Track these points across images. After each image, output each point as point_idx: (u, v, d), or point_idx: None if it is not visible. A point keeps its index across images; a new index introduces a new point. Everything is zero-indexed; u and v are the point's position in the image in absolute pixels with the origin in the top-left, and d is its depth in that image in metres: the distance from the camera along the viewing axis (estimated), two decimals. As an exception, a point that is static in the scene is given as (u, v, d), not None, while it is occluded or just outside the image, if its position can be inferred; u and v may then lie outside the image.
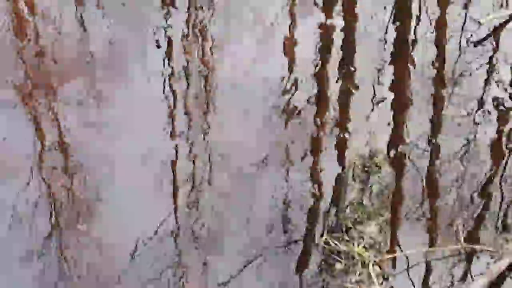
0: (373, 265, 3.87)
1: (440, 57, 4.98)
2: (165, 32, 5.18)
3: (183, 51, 5.07)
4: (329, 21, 5.22)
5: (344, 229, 4.02)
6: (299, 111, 4.63)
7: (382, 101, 4.67)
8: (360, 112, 4.66)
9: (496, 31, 5.10)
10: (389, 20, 5.23)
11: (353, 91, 4.79)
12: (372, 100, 4.73)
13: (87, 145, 4.48)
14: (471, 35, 5.09)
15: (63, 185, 4.30)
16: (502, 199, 4.21)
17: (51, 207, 4.20)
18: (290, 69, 4.95)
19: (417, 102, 4.73)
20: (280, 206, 4.20)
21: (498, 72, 4.87)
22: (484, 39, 5.05)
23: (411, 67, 4.93)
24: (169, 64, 4.99)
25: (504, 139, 4.52)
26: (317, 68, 4.94)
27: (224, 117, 4.67)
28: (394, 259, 3.95)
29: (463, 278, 3.90)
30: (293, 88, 4.82)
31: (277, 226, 4.12)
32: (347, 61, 4.97)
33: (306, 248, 4.01)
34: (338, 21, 5.23)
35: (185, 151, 4.48)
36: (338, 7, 5.35)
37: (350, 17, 5.26)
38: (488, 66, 4.93)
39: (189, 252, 4.04)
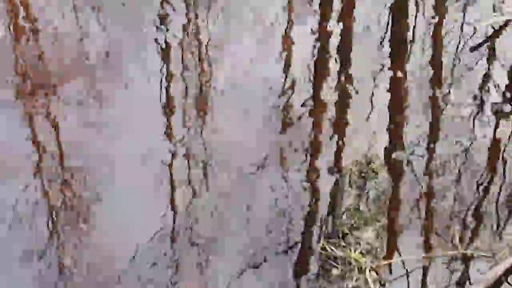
0: (369, 270, 3.87)
1: (438, 60, 4.99)
2: (165, 32, 5.18)
3: (183, 51, 5.07)
4: (328, 23, 5.23)
5: (340, 235, 4.02)
6: (299, 117, 4.63)
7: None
8: (359, 114, 4.67)
9: (492, 37, 5.09)
10: (387, 24, 5.24)
11: (351, 94, 4.79)
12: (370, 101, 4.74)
13: (87, 145, 4.49)
14: (467, 39, 5.09)
15: (63, 185, 4.30)
16: (497, 205, 4.22)
17: (51, 207, 4.20)
18: (289, 70, 4.95)
19: (415, 105, 4.73)
20: (280, 206, 4.20)
21: (495, 77, 4.87)
22: (480, 45, 5.05)
23: (408, 69, 4.93)
24: (169, 64, 4.99)
25: (502, 143, 4.52)
26: (316, 69, 4.94)
27: (224, 117, 4.67)
28: (390, 265, 3.95)
29: (460, 284, 3.90)
30: (293, 88, 4.82)
31: (277, 226, 4.12)
32: (345, 63, 4.97)
33: (303, 254, 4.01)
34: (336, 23, 5.23)
35: (185, 151, 4.48)
36: (337, 8, 5.35)
37: (349, 18, 5.26)
38: (485, 70, 4.93)
39: (189, 252, 4.04)
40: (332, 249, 3.94)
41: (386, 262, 3.93)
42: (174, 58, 5.03)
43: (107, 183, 4.30)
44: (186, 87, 4.85)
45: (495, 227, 4.12)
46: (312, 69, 4.94)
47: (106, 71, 4.95)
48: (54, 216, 4.16)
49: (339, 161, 4.40)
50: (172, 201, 4.25)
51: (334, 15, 5.29)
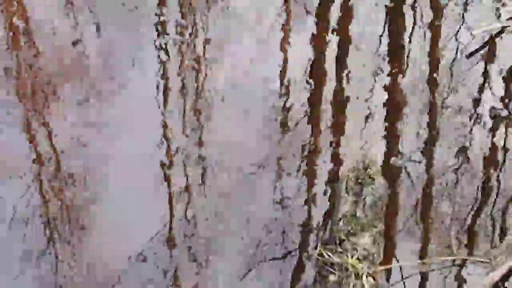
0: (366, 276, 3.87)
1: (435, 66, 4.98)
2: (165, 32, 5.17)
3: (182, 51, 5.07)
4: (325, 26, 5.23)
5: (337, 241, 4.02)
6: (297, 123, 4.63)
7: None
8: (358, 117, 4.66)
9: (488, 43, 5.09)
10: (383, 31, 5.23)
11: (348, 98, 4.79)
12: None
13: (87, 145, 4.49)
14: (464, 46, 5.08)
15: (63, 185, 4.30)
16: (492, 210, 4.22)
17: (51, 207, 4.20)
18: (287, 69, 4.95)
19: (412, 111, 4.72)
20: (279, 206, 4.21)
21: (492, 84, 4.87)
22: (477, 50, 5.04)
23: (405, 75, 4.92)
24: (168, 64, 4.99)
25: (499, 149, 4.52)
26: (315, 69, 4.94)
27: (224, 117, 4.67)
28: (387, 271, 3.95)
29: (457, 290, 3.92)
30: (292, 89, 4.82)
31: (277, 226, 4.12)
32: (343, 66, 4.97)
33: (300, 260, 4.01)
34: (334, 26, 5.24)
35: (185, 151, 4.48)
36: (336, 9, 5.36)
37: (347, 21, 5.26)
38: (482, 76, 4.93)
39: (189, 252, 4.04)
40: (329, 255, 3.94)
41: (383, 268, 3.94)
42: (174, 58, 5.03)
43: (107, 183, 4.30)
44: (186, 87, 4.85)
45: (492, 232, 4.12)
46: (311, 70, 4.94)
47: (106, 71, 4.95)
48: (54, 216, 4.16)
49: (336, 167, 4.40)
50: (172, 201, 4.25)
51: (334, 15, 5.30)
